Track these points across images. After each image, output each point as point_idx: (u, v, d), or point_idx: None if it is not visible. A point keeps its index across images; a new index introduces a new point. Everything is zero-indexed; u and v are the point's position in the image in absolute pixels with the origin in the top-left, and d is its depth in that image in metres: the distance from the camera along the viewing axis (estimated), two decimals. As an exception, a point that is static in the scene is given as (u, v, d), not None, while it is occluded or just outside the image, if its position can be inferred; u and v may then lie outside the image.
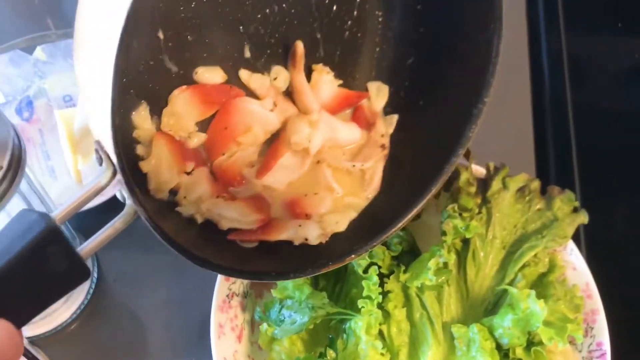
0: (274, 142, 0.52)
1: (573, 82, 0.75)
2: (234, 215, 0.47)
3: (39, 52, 0.69)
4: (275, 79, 0.52)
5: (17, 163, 0.46)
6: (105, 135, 0.37)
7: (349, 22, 0.53)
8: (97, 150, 0.40)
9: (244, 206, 0.48)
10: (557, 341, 0.47)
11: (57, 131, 0.68)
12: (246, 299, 0.56)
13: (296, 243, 0.47)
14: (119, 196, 0.42)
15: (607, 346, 0.51)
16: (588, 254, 0.58)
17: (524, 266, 0.54)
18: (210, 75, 0.50)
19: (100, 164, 0.40)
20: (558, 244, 0.54)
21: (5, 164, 0.45)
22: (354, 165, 0.52)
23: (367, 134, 0.54)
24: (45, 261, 0.32)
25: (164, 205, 0.46)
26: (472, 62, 0.46)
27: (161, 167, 0.46)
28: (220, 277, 0.54)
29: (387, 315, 0.51)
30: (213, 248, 0.44)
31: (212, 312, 0.53)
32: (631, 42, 0.81)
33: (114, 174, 0.39)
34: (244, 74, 0.51)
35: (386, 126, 0.54)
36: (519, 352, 0.50)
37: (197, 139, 0.49)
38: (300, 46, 0.52)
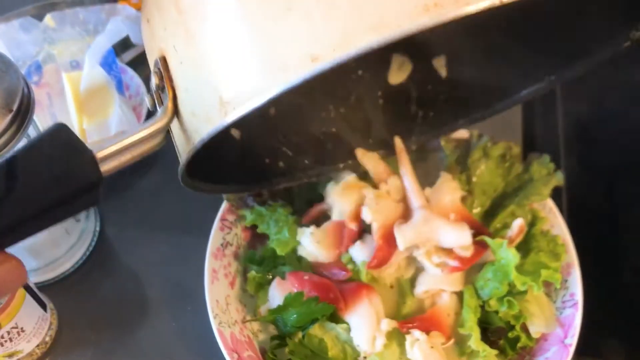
0: None
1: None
2: None
3: (49, 19, 0.73)
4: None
5: (26, 108, 0.49)
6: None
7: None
8: (156, 74, 0.34)
9: None
10: (532, 286, 0.50)
11: (64, 95, 0.71)
12: (240, 249, 0.59)
13: None
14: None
15: (579, 296, 0.54)
16: (569, 215, 0.61)
17: (504, 227, 0.57)
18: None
19: (160, 90, 0.34)
20: (533, 202, 0.57)
21: (15, 107, 0.48)
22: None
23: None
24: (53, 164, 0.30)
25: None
26: None
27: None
28: (215, 227, 0.57)
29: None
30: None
31: (207, 258, 0.56)
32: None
33: (173, 116, 0.34)
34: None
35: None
36: (493, 303, 0.52)
37: None
38: (399, 141, 0.55)
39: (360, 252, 0.53)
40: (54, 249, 0.60)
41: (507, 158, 0.59)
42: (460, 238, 0.52)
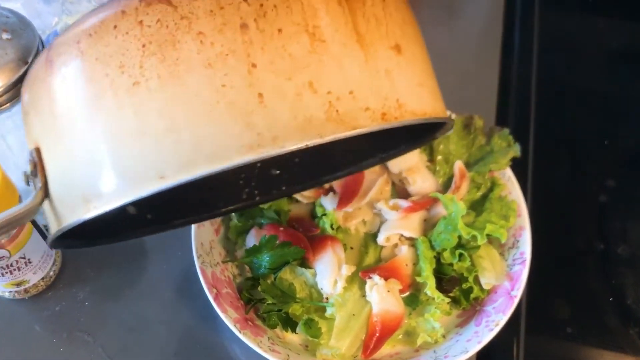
0: None
1: (540, 57, 0.84)
2: None
3: (67, -8, 0.80)
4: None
5: (39, 62, 0.56)
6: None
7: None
8: (31, 162, 0.38)
9: None
10: (475, 236, 0.56)
11: (78, 62, 0.79)
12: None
13: None
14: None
15: (527, 255, 0.59)
16: (532, 183, 0.67)
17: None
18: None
19: (34, 176, 0.38)
20: (491, 170, 0.63)
21: (30, 60, 0.55)
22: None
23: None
24: None
25: None
26: None
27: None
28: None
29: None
30: None
31: (195, 208, 0.62)
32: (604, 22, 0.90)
33: (43, 200, 0.38)
34: None
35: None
36: (447, 255, 0.58)
37: None
38: None
39: (329, 202, 0.60)
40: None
41: (471, 130, 0.64)
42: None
